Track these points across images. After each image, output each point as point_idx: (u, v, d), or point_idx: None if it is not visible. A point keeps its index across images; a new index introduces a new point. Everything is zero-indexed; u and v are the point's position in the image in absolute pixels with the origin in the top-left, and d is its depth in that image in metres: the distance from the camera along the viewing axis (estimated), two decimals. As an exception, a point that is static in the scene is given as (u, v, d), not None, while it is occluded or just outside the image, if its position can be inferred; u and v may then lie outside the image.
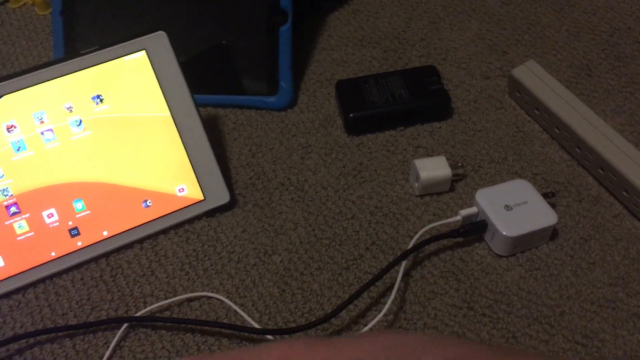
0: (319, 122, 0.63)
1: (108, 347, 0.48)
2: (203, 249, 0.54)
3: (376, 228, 0.55)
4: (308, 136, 0.62)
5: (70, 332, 0.49)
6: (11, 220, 0.51)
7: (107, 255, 0.54)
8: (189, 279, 0.52)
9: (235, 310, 0.50)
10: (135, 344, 0.49)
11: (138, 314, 0.50)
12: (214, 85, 0.64)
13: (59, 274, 0.53)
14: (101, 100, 0.53)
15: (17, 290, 0.52)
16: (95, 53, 0.52)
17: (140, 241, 0.55)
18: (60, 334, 0.49)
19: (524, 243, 0.52)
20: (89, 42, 0.65)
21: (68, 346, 0.49)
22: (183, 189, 0.55)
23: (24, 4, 0.80)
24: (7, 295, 0.52)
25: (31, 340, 0.49)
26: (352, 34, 0.72)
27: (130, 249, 0.54)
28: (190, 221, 0.56)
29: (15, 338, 0.48)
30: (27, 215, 0.52)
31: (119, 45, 0.53)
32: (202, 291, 0.51)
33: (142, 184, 0.54)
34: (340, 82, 0.64)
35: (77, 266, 0.53)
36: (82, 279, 0.53)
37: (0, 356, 0.48)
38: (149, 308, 0.50)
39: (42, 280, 0.52)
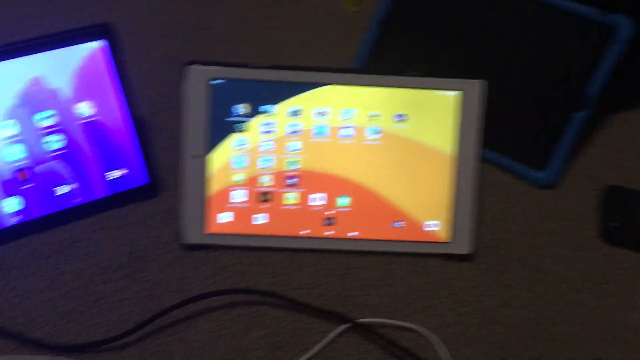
0: (574, 215, 0.62)
1: (322, 336, 0.52)
2: (431, 287, 0.56)
3: (608, 350, 0.53)
4: (560, 223, 0.62)
5: (297, 307, 0.53)
6: (286, 189, 0.57)
7: (347, 253, 0.57)
8: (410, 308, 0.54)
9: None
10: (345, 346, 0.51)
11: (359, 321, 0.52)
12: (491, 140, 0.66)
13: (303, 251, 0.57)
14: (403, 120, 0.56)
15: (267, 249, 0.57)
16: (416, 78, 0.56)
17: (379, 254, 0.58)
18: (287, 304, 0.53)
19: None
20: (394, 61, 0.69)
21: (289, 320, 0.53)
22: (436, 225, 0.57)
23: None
24: (261, 249, 0.57)
25: (257, 298, 0.54)
26: (636, 141, 0.69)
27: (367, 257, 0.58)
28: (428, 256, 0.58)
29: (246, 291, 0.53)
30: (300, 190, 0.57)
31: (441, 79, 0.56)
32: (417, 324, 0.53)
33: (402, 205, 0.57)
34: (613, 188, 0.62)
35: (320, 251, 0.57)
36: (320, 264, 0.57)
37: (224, 302, 0.53)
38: (371, 320, 0.53)
39: (288, 250, 0.57)
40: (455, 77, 0.56)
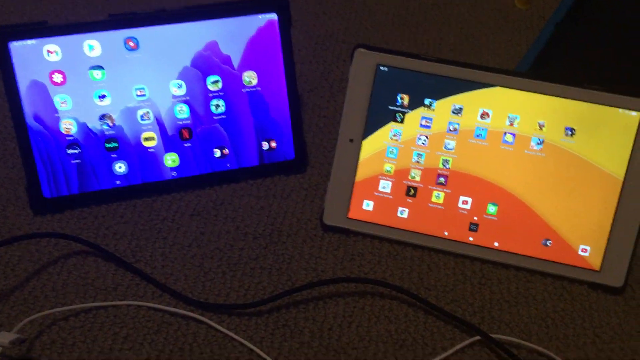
0: None
1: (450, 343, 0.50)
2: (572, 315, 0.52)
3: None
4: None
5: (428, 308, 0.52)
6: (434, 187, 0.55)
7: (484, 262, 0.55)
8: (546, 333, 0.51)
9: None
10: (472, 359, 0.50)
11: (493, 336, 0.50)
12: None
13: (441, 252, 0.56)
14: (572, 134, 0.53)
15: (405, 244, 0.56)
16: (594, 91, 0.52)
17: (518, 269, 0.55)
18: (418, 303, 0.52)
19: None
20: (564, 67, 0.64)
21: (418, 320, 0.52)
22: (586, 250, 0.54)
23: (507, -10, 0.83)
24: (399, 243, 0.56)
25: (389, 292, 0.53)
26: None
27: (506, 269, 0.55)
28: (571, 281, 0.54)
29: (381, 283, 0.52)
30: (448, 190, 0.55)
31: (620, 96, 0.52)
32: (554, 352, 0.50)
33: (555, 223, 0.54)
34: None
35: (458, 256, 0.56)
36: (457, 268, 0.55)
37: (355, 289, 0.53)
38: (505, 337, 0.50)
39: (427, 248, 0.56)
40: (636, 95, 0.52)
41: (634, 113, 0.52)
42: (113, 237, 0.55)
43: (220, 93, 0.57)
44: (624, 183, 0.53)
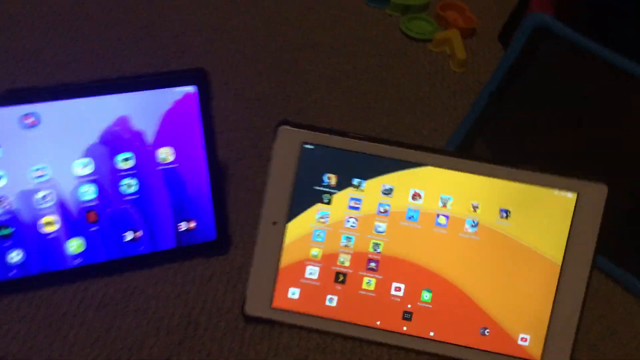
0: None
1: None
2: (512, 411, 0.49)
3: None
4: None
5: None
6: (365, 273, 0.51)
7: (420, 353, 0.51)
8: None
9: None
10: None
11: None
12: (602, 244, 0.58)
13: (372, 343, 0.51)
14: (507, 217, 0.50)
15: (335, 335, 0.51)
16: (528, 172, 0.50)
17: (456, 360, 0.51)
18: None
19: None
20: (491, 143, 0.62)
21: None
22: (526, 339, 0.50)
23: (443, 51, 0.81)
24: (328, 334, 0.52)
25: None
26: None
27: (442, 361, 0.51)
28: (512, 372, 0.51)
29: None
30: (380, 276, 0.51)
31: (556, 176, 0.50)
32: None
33: (492, 311, 0.51)
34: None
35: (390, 346, 0.51)
36: (389, 362, 0.51)
37: None
38: None
39: (357, 339, 0.51)
40: (572, 176, 0.50)
41: (570, 194, 0.50)
42: (4, 337, 0.48)
43: (132, 171, 0.52)
44: (562, 267, 0.50)
